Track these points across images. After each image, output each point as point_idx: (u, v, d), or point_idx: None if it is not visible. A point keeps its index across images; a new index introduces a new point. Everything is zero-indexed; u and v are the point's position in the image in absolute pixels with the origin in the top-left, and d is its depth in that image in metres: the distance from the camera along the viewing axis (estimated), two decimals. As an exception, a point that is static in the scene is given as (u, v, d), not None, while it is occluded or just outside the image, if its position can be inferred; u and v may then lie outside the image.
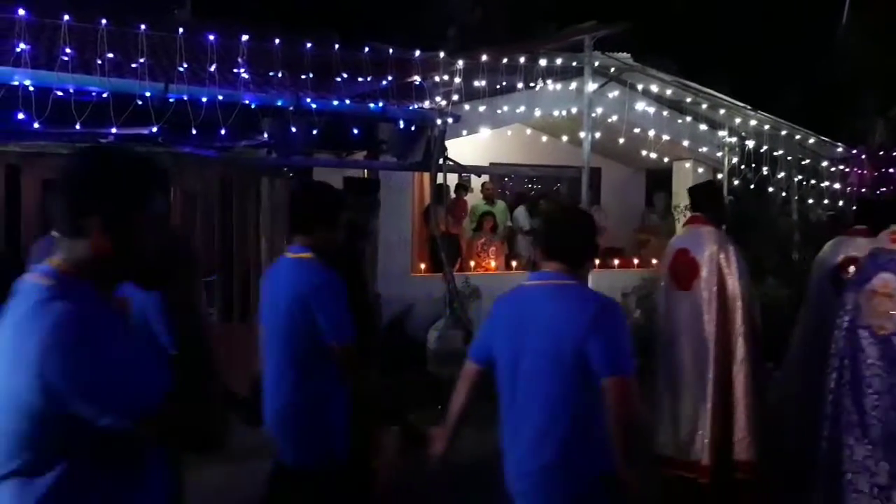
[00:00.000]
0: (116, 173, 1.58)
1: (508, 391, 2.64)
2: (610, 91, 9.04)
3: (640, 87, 9.13)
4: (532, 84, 8.32)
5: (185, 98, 6.09)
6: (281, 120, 6.61)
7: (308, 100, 6.76)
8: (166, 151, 6.34)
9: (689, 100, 9.66)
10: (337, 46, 7.11)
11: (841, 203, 10.25)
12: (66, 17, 5.97)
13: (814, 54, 13.60)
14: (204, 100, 6.15)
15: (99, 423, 1.44)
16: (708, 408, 3.84)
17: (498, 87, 7.85)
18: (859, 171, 10.61)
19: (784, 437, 4.33)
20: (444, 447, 2.76)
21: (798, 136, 9.97)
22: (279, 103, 6.64)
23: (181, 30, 6.37)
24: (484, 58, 7.45)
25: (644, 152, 9.82)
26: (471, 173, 9.56)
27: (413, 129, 7.43)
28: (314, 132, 6.74)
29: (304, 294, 2.82)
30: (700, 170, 10.57)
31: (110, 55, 6.05)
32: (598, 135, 8.31)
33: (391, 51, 7.34)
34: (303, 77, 7.00)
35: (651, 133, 9.52)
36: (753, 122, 9.59)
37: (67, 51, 5.92)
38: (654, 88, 9.30)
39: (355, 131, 7.10)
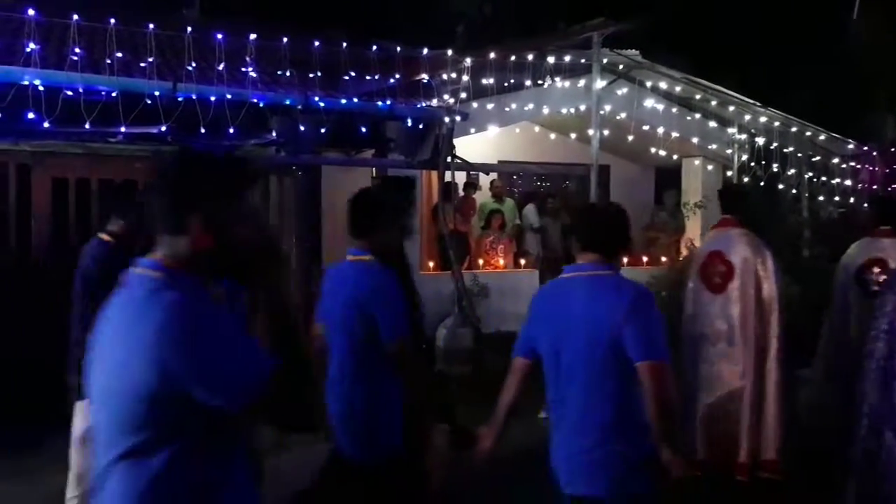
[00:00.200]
0: (214, 173, 1.67)
1: (553, 380, 2.76)
2: (618, 88, 9.00)
3: (648, 84, 9.09)
4: (540, 81, 8.30)
5: (194, 97, 6.12)
6: (289, 118, 6.62)
7: (316, 98, 6.76)
8: (175, 150, 6.36)
9: (698, 97, 9.61)
10: (345, 45, 7.11)
11: (852, 200, 10.19)
12: (76, 17, 5.99)
13: (825, 50, 13.51)
14: (212, 99, 6.17)
15: (210, 404, 1.53)
16: (742, 407, 3.84)
17: (506, 84, 7.83)
18: (870, 168, 10.55)
19: (812, 438, 4.32)
20: (492, 445, 2.85)
21: (809, 133, 9.91)
22: (287, 102, 6.66)
23: (189, 29, 6.39)
24: (492, 55, 7.43)
25: (653, 150, 9.78)
26: (479, 171, 9.55)
27: (421, 127, 7.43)
28: (322, 131, 6.74)
29: (365, 294, 2.93)
30: (709, 167, 10.53)
31: (119, 55, 6.08)
32: (606, 132, 8.28)
33: (399, 49, 7.33)
34: (311, 76, 7.01)
35: (660, 130, 9.48)
36: (763, 119, 9.54)
37: (77, 50, 5.94)
38: (663, 85, 9.25)
39: (363, 129, 7.10)
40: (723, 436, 3.93)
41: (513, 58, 7.71)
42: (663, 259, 9.75)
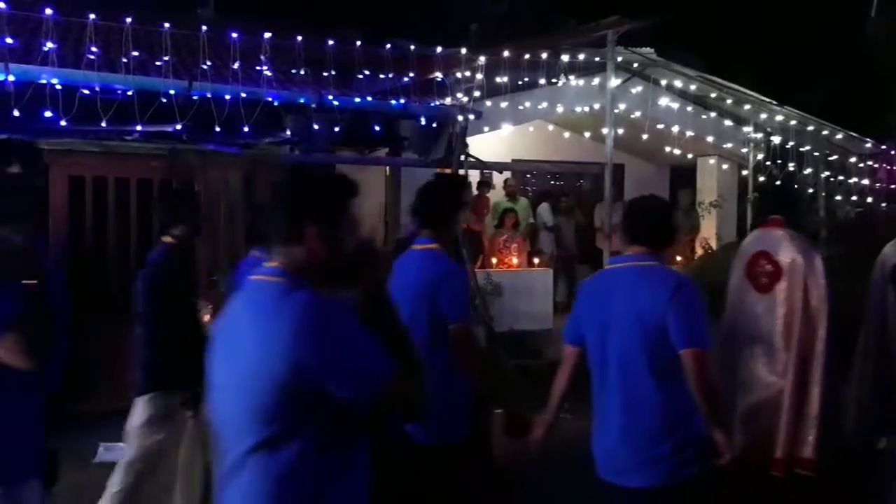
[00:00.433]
0: (326, 188, 1.88)
1: (599, 366, 2.85)
2: (633, 87, 8.96)
3: (663, 82, 9.05)
4: (554, 80, 8.28)
5: (209, 95, 6.14)
6: (303, 117, 6.64)
7: (330, 97, 6.78)
8: (190, 148, 6.40)
9: (713, 95, 9.55)
10: (359, 43, 7.12)
11: (870, 199, 10.09)
12: (92, 17, 6.03)
13: (842, 48, 13.39)
14: (227, 97, 6.20)
15: (340, 396, 1.67)
16: (781, 405, 3.84)
17: (520, 83, 7.82)
18: (888, 167, 10.45)
19: (848, 436, 4.31)
20: (546, 432, 2.98)
21: (825, 132, 9.82)
22: (301, 100, 6.67)
23: (204, 28, 6.42)
24: (506, 54, 7.42)
25: (668, 148, 9.73)
26: (493, 170, 9.54)
27: (434, 125, 7.43)
28: (336, 129, 6.76)
29: (433, 281, 3.02)
30: (724, 166, 10.47)
31: (135, 53, 6.11)
32: (621, 131, 8.25)
33: (413, 47, 7.33)
34: (325, 74, 7.03)
35: (675, 129, 9.43)
36: (780, 118, 9.46)
37: (93, 49, 5.98)
38: (678, 84, 9.20)
39: (377, 128, 7.10)
40: (759, 432, 3.93)
41: (527, 56, 7.69)
42: (678, 258, 9.70)
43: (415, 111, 7.25)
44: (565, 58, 7.98)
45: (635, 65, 8.80)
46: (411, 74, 7.35)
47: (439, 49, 7.46)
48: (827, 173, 9.94)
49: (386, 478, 3.22)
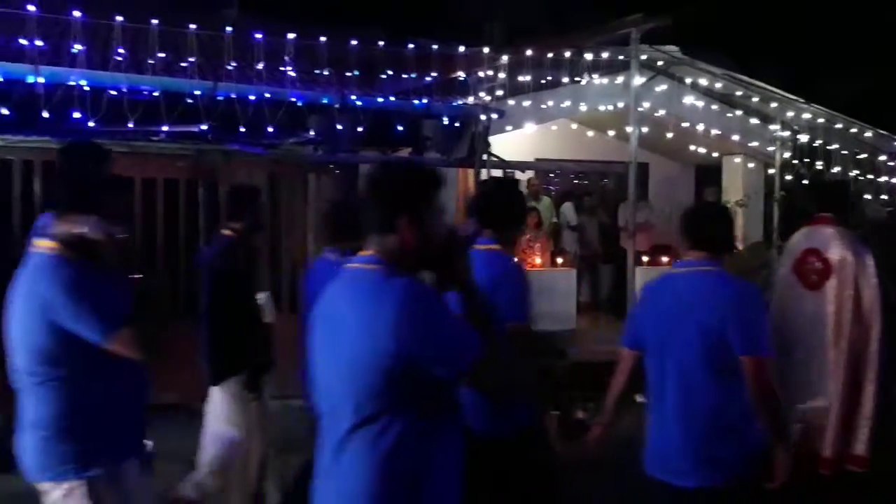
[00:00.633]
0: (417, 180, 1.97)
1: (657, 369, 2.89)
2: (657, 85, 8.89)
3: (688, 80, 8.96)
4: (577, 78, 8.23)
5: (234, 96, 6.20)
6: (327, 117, 6.68)
7: (353, 97, 6.81)
8: (215, 149, 6.46)
9: (739, 93, 9.44)
10: (381, 43, 7.15)
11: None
12: (119, 19, 6.12)
13: (871, 45, 13.17)
14: (251, 98, 6.26)
15: (438, 375, 1.81)
16: (835, 405, 3.81)
17: (543, 81, 7.79)
18: (919, 166, 10.25)
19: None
20: (602, 433, 3.05)
21: (854, 130, 9.66)
22: (325, 101, 6.72)
23: (229, 29, 6.48)
24: (528, 52, 7.40)
25: (693, 147, 9.64)
26: (515, 169, 9.51)
27: (457, 125, 7.43)
28: (359, 129, 6.79)
29: (496, 278, 3.03)
30: (751, 165, 10.34)
31: (161, 55, 6.19)
32: (645, 129, 8.18)
33: (435, 47, 7.34)
34: (348, 74, 7.06)
35: (700, 127, 9.34)
36: (807, 116, 9.33)
37: (120, 51, 6.06)
38: (704, 82, 9.11)
39: (400, 128, 7.12)
40: (807, 430, 3.89)
41: (549, 55, 7.66)
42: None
43: (437, 111, 7.26)
44: (589, 56, 7.94)
45: (660, 63, 8.73)
46: (434, 74, 7.36)
47: (462, 48, 7.46)
48: (855, 172, 9.78)
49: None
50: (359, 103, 6.81)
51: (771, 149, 9.87)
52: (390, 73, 7.30)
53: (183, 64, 6.36)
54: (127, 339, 2.47)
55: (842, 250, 3.90)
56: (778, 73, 10.06)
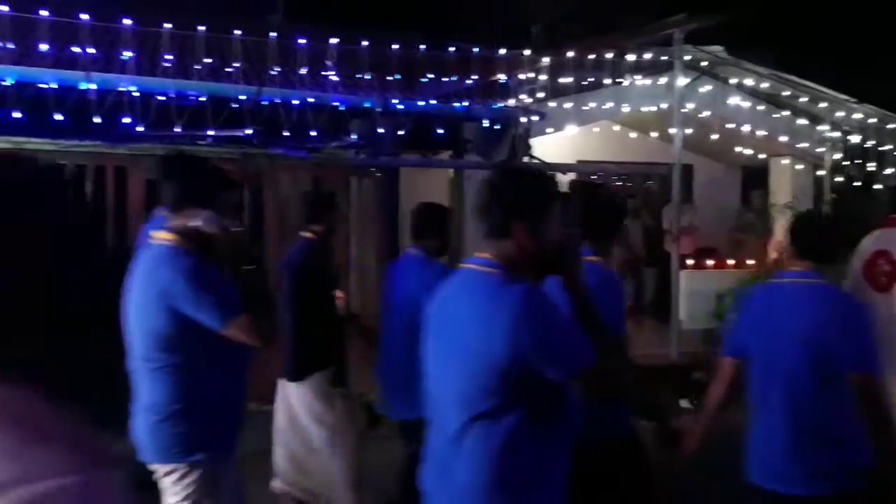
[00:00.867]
0: (536, 188, 2.02)
1: (762, 379, 2.87)
2: (701, 86, 8.75)
3: (733, 81, 8.80)
4: (620, 80, 8.15)
5: (278, 101, 6.30)
6: (369, 121, 6.74)
7: (394, 101, 6.85)
8: (260, 153, 6.57)
9: (786, 93, 9.24)
10: (422, 47, 7.18)
11: (957, 200, 9.59)
12: (167, 26, 6.26)
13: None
14: (295, 102, 6.34)
15: (550, 378, 1.85)
16: None
17: (584, 83, 7.73)
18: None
19: None
20: (698, 443, 3.02)
21: (908, 130, 9.38)
22: (367, 105, 6.77)
23: (273, 35, 6.58)
24: (570, 54, 7.36)
25: (738, 148, 9.47)
26: (557, 171, 9.44)
27: (498, 127, 7.42)
28: (401, 133, 6.83)
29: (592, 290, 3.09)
30: (799, 167, 10.11)
31: (207, 60, 6.31)
32: (689, 131, 8.07)
33: (476, 49, 7.34)
34: (389, 78, 7.11)
35: (745, 128, 9.16)
36: (858, 116, 9.09)
37: (168, 57, 6.20)
38: (749, 82, 8.94)
39: (440, 131, 7.14)
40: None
41: (591, 56, 7.61)
42: (749, 262, 9.41)
43: (478, 113, 7.26)
44: (631, 57, 7.85)
45: (704, 63, 8.59)
46: (474, 77, 7.36)
47: (503, 51, 7.45)
48: (910, 173, 9.49)
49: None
50: (400, 107, 6.85)
51: (820, 150, 9.63)
52: (431, 76, 7.32)
53: (228, 69, 6.48)
54: (245, 325, 2.55)
55: None
56: (827, 73, 9.80)
